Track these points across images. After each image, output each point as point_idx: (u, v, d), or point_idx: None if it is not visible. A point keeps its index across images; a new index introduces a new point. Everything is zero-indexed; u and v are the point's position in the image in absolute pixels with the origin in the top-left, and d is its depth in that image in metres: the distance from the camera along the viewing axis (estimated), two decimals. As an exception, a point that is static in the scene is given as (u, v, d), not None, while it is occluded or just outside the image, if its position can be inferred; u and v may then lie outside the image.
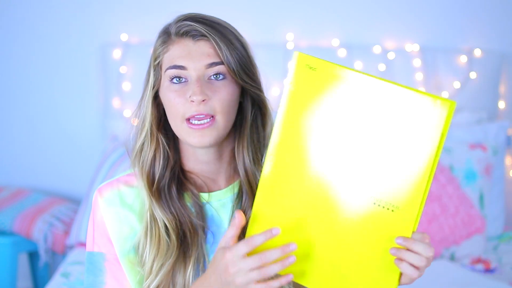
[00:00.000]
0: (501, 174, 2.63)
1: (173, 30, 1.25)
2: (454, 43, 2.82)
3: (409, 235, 1.05)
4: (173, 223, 1.21)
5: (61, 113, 2.93)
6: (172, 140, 1.27)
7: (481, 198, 2.46)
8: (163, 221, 1.20)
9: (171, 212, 1.21)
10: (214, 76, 1.19)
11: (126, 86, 2.81)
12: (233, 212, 1.24)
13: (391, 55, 2.77)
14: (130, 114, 2.82)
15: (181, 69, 1.19)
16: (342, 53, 2.75)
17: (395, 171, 1.03)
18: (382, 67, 2.76)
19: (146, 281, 1.21)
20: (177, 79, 1.19)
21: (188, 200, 1.24)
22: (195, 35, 1.22)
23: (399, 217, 1.04)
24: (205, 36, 1.21)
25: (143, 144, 1.26)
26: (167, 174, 1.23)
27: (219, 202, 1.25)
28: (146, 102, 1.27)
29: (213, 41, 1.20)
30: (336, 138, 1.05)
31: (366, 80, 1.04)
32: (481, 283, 2.08)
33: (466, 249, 2.40)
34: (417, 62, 2.76)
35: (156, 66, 1.24)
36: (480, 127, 2.64)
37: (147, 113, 1.27)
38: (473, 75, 2.76)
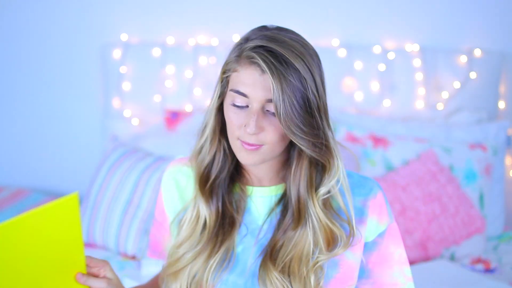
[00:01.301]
0: (501, 174, 2.63)
1: (245, 54, 1.23)
2: (454, 43, 2.82)
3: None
4: (213, 218, 1.31)
5: (61, 113, 2.93)
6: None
7: (481, 198, 2.46)
8: (205, 217, 1.31)
9: (216, 208, 1.31)
10: (270, 110, 1.23)
11: (126, 86, 2.82)
12: (271, 211, 1.31)
13: (391, 55, 2.77)
14: (130, 114, 2.83)
15: (243, 96, 1.22)
16: (342, 53, 2.75)
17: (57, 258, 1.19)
18: (382, 67, 2.76)
19: (168, 259, 1.34)
20: (238, 103, 1.24)
21: (236, 191, 1.34)
22: (263, 69, 1.21)
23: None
24: (273, 72, 1.20)
25: (202, 146, 1.34)
26: (223, 175, 1.33)
27: (261, 198, 1.32)
28: (210, 109, 1.31)
29: (279, 78, 1.19)
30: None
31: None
32: (481, 283, 2.08)
33: (466, 249, 2.40)
34: (417, 62, 2.76)
35: (224, 79, 1.28)
36: (480, 127, 2.64)
37: (210, 120, 1.31)
38: (473, 75, 2.76)
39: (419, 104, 2.79)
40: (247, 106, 1.23)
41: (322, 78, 1.25)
